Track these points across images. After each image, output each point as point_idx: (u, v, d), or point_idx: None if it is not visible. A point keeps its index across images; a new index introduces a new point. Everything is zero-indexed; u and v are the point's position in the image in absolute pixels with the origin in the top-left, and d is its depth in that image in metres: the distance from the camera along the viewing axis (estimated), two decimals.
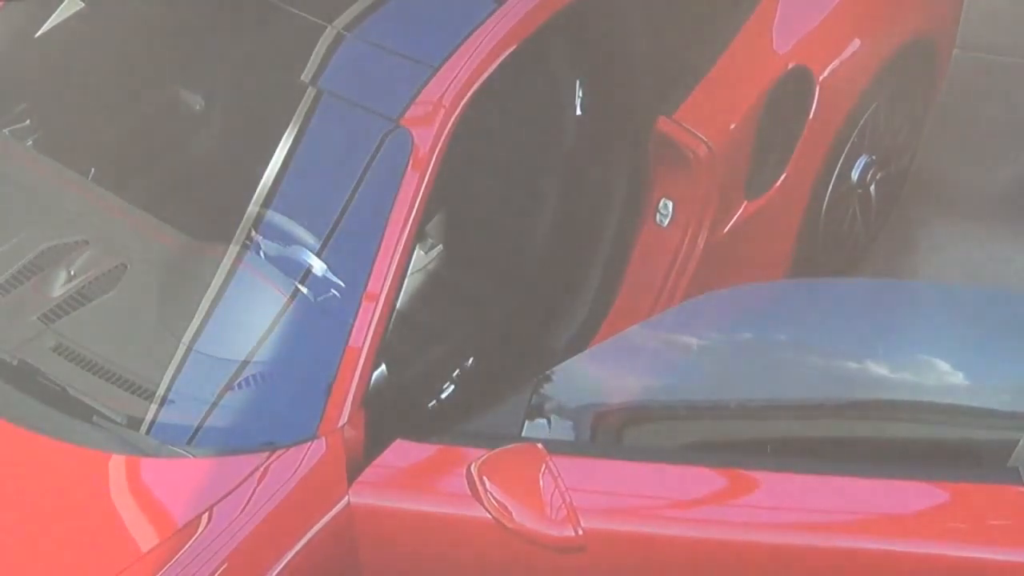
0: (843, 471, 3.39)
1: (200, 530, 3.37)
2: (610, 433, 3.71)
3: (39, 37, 4.24)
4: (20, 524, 3.43)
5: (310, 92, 3.78)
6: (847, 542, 3.36)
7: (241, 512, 3.40)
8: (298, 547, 3.43)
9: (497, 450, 3.42)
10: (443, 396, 3.93)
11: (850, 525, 3.37)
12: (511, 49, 3.79)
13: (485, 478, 3.38)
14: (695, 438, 3.71)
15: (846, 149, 4.60)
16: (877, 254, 5.05)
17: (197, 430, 3.54)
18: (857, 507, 3.38)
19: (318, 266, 3.64)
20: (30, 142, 4.09)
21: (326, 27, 3.82)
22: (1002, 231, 5.12)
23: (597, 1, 4.02)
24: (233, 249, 3.71)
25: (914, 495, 3.39)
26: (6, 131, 4.10)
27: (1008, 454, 3.48)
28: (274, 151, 3.76)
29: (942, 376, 3.62)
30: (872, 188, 4.81)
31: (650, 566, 3.43)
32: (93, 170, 3.98)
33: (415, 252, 3.83)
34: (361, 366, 3.54)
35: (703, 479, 3.44)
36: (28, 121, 4.13)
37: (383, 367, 3.68)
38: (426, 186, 3.64)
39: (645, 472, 3.45)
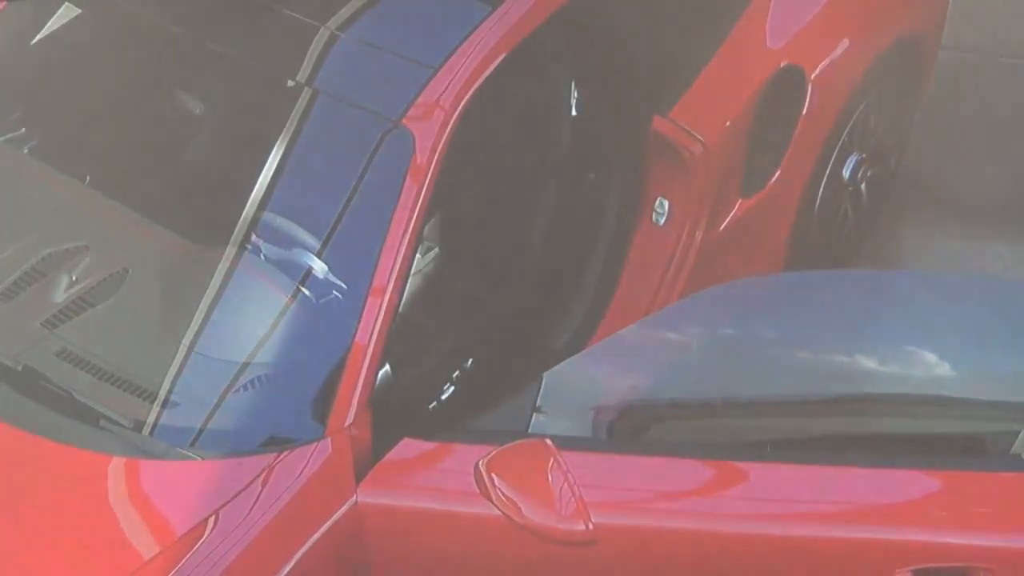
0: (853, 464, 3.41)
1: (207, 533, 3.36)
2: (607, 430, 3.71)
3: (35, 44, 4.23)
4: (24, 529, 3.43)
5: (311, 94, 3.79)
6: (862, 532, 3.37)
7: (248, 514, 3.39)
8: (307, 547, 3.42)
9: (505, 446, 3.40)
10: (443, 397, 3.93)
11: (862, 516, 3.39)
12: (509, 50, 3.80)
13: (493, 474, 3.37)
14: (700, 436, 3.71)
15: (838, 147, 4.63)
16: (868, 251, 5.07)
17: (203, 432, 3.54)
18: (866, 498, 3.39)
19: (322, 267, 3.64)
20: (26, 149, 4.08)
21: (326, 29, 3.83)
22: (992, 228, 5.15)
23: (592, 2, 4.04)
24: (238, 251, 3.71)
25: (924, 483, 3.41)
26: (1, 139, 4.09)
27: (1008, 446, 3.49)
28: (274, 153, 3.77)
29: (935, 368, 3.63)
30: (863, 186, 4.84)
31: (660, 559, 3.43)
32: (89, 176, 3.98)
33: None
34: (366, 366, 3.54)
35: (712, 473, 3.44)
36: (23, 129, 4.12)
37: (387, 367, 3.69)
38: (428, 186, 3.65)
39: (654, 466, 3.45)
